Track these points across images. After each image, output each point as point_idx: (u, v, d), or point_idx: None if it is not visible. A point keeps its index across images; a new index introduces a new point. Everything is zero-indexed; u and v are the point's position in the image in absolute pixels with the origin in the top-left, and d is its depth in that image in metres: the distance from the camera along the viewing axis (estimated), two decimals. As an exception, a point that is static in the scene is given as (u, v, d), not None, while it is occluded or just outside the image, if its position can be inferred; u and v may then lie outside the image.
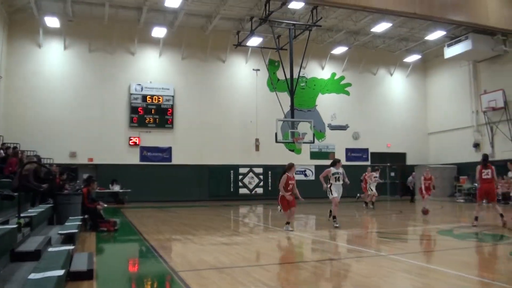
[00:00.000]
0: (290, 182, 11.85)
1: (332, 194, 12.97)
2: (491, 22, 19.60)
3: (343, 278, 6.75)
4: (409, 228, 12.91)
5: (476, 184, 27.19)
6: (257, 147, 28.68)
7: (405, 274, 7.05)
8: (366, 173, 20.51)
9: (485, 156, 13.44)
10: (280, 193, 11.92)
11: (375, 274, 6.97)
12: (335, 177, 12.99)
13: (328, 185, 13.10)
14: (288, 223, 12.16)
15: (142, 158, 26.44)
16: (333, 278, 6.88)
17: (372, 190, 19.99)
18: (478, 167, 13.37)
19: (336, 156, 30.26)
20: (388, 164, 31.09)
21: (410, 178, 25.56)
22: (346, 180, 13.68)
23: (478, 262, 8.35)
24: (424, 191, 17.22)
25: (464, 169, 29.25)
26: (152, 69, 27.18)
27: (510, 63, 27.34)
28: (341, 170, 13.13)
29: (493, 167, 12.98)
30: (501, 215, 12.69)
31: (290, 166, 12.09)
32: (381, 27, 26.39)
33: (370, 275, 6.93)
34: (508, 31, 22.44)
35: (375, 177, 20.01)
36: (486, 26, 20.39)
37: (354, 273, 7.10)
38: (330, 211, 13.33)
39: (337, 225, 12.53)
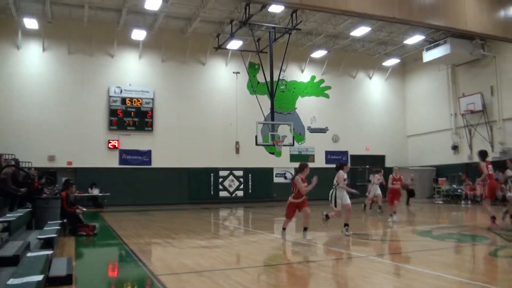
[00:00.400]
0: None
1: (336, 206, 11.42)
2: (470, 26, 19.84)
3: (323, 280, 6.78)
4: (389, 230, 13.02)
5: (455, 186, 27.79)
6: (237, 150, 28.67)
7: (384, 274, 7.12)
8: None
9: (486, 152, 13.19)
10: (290, 199, 10.51)
11: (355, 276, 7.03)
12: (346, 183, 11.57)
13: (332, 192, 11.56)
14: (305, 229, 10.69)
15: (122, 161, 26.21)
16: (313, 280, 6.90)
17: (375, 192, 19.54)
18: (484, 163, 12.54)
19: (316, 159, 30.54)
20: (367, 166, 31.31)
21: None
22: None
23: (457, 262, 8.45)
24: (390, 195, 14.91)
25: (442, 171, 29.63)
26: (132, 71, 26.98)
27: (488, 67, 27.73)
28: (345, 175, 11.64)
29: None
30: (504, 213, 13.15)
31: (304, 167, 10.60)
32: (360, 31, 26.58)
33: (350, 276, 6.99)
34: (486, 36, 22.74)
35: (378, 179, 19.65)
36: (465, 31, 20.63)
37: (334, 275, 7.15)
38: (327, 215, 11.74)
39: (348, 234, 11.16)
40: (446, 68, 30.50)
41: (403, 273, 7.07)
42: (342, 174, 11.46)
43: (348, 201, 11.45)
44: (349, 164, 12.41)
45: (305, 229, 10.64)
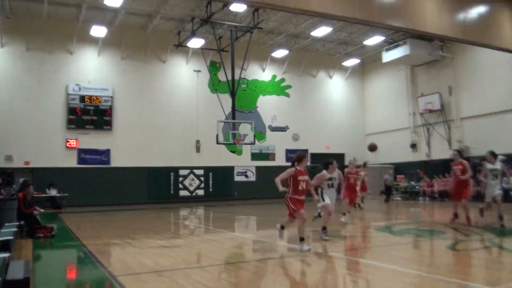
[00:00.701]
0: (300, 178, 8.54)
1: (324, 200, 10.21)
2: (429, 28, 20.29)
3: (283, 277, 6.84)
4: (348, 226, 13.20)
5: (413, 183, 28.42)
6: (198, 149, 28.54)
7: (344, 270, 7.25)
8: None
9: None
10: (289, 195, 8.63)
11: (315, 272, 7.11)
12: (328, 184, 10.33)
13: (319, 190, 10.40)
14: (302, 239, 8.41)
15: (80, 161, 25.70)
16: (273, 277, 6.95)
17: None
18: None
19: (277, 158, 30.71)
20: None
21: (386, 176, 25.89)
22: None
23: (416, 256, 8.67)
24: (343, 191, 13.99)
25: (401, 168, 30.28)
26: (91, 69, 26.46)
27: (447, 68, 28.53)
28: (336, 174, 10.50)
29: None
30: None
31: (301, 157, 8.81)
32: (321, 31, 26.85)
33: (309, 273, 7.07)
34: (445, 37, 23.34)
35: (365, 174, 19.44)
36: (424, 32, 21.08)
37: (294, 272, 7.21)
38: (319, 214, 11.18)
39: (327, 238, 9.91)
40: (406, 69, 31.22)
41: (363, 268, 7.20)
42: (324, 176, 10.21)
43: (328, 201, 10.27)
44: (335, 164, 10.46)
45: (302, 239, 8.41)
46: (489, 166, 11.84)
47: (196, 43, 26.15)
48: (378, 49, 30.22)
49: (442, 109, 28.44)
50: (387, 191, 25.75)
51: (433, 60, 29.00)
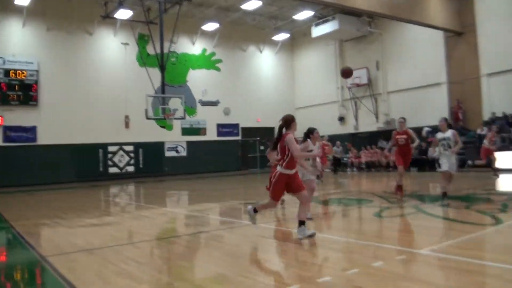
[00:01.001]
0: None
1: (306, 176, 8.82)
2: (358, 4, 20.91)
3: (214, 249, 6.96)
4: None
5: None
6: (127, 124, 27.96)
7: (273, 240, 7.47)
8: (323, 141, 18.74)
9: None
10: (280, 168, 6.97)
11: (245, 243, 7.29)
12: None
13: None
14: (302, 223, 6.85)
15: (5, 139, 24.45)
16: (204, 250, 7.08)
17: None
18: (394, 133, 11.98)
19: (208, 133, 30.64)
20: (258, 138, 32.03)
21: (334, 147, 25.85)
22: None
23: (345, 224, 9.05)
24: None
25: (330, 141, 31.04)
26: (16, 41, 24.95)
27: (374, 43, 29.48)
28: (318, 145, 9.47)
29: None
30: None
31: (291, 120, 7.10)
32: (252, 4, 26.73)
33: (240, 244, 7.24)
34: (373, 13, 24.06)
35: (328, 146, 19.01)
36: (353, 8, 21.70)
37: (225, 243, 7.36)
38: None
39: (310, 217, 8.59)
40: (334, 44, 31.91)
41: (291, 238, 7.42)
42: (308, 147, 8.80)
43: (310, 177, 9.03)
44: (318, 133, 9.16)
45: (302, 222, 6.87)
46: (439, 135, 10.86)
47: (123, 14, 25.41)
48: (308, 24, 30.54)
49: (370, 84, 29.48)
50: (336, 163, 26.45)
51: (361, 36, 29.80)
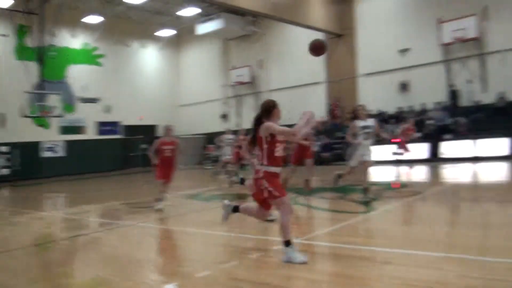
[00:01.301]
0: (279, 138, 5.57)
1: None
2: (241, 3, 21.52)
3: (93, 252, 6.90)
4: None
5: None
6: (2, 123, 25.99)
7: (154, 238, 7.56)
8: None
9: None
10: (263, 168, 5.46)
11: (125, 243, 7.31)
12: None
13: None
14: (288, 243, 5.34)
15: None
16: (83, 254, 6.98)
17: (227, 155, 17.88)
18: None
19: (88, 131, 29.43)
20: (141, 136, 31.42)
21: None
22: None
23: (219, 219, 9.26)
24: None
25: (212, 138, 31.29)
26: None
27: (258, 43, 30.37)
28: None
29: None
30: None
31: (271, 107, 5.84)
32: (135, -2, 26.14)
33: (120, 244, 7.25)
34: (256, 13, 24.82)
35: (228, 139, 18.46)
36: (237, 7, 22.32)
37: (104, 245, 7.31)
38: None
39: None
40: (219, 42, 32.34)
41: (175, 235, 7.55)
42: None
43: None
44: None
45: (288, 243, 5.35)
46: (360, 123, 9.77)
47: (3, 2, 23.60)
48: (194, 21, 30.49)
49: (253, 82, 30.32)
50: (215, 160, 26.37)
51: (245, 35, 30.53)
